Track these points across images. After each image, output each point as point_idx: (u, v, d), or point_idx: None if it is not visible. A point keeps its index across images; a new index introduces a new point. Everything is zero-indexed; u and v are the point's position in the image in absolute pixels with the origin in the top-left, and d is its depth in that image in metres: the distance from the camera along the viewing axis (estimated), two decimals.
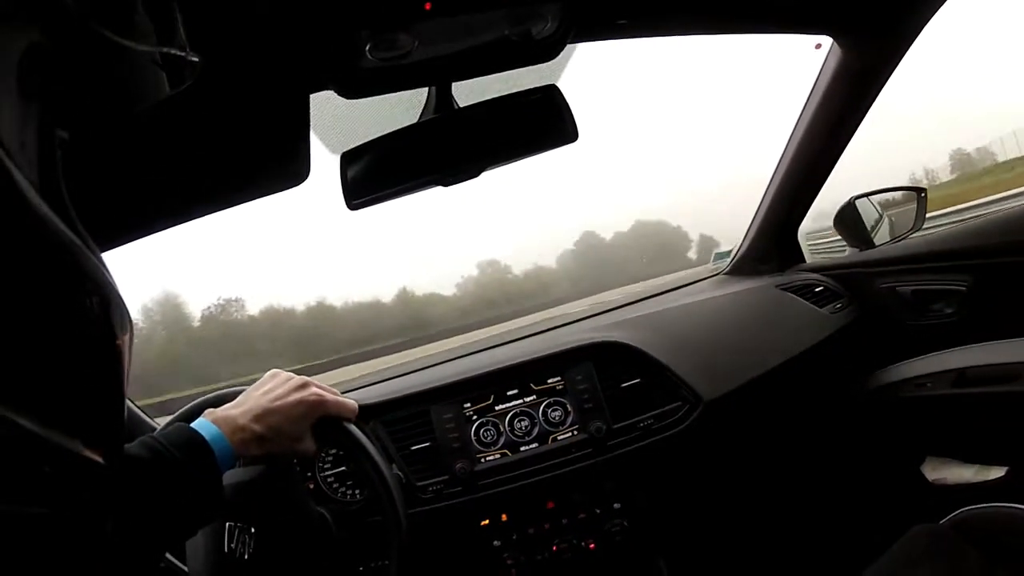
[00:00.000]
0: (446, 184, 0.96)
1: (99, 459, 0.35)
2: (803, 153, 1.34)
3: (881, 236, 1.51)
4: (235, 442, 0.71)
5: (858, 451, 1.42)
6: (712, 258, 1.66)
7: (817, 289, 1.39)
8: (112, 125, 0.65)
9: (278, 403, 0.78)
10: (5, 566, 0.30)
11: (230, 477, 0.79)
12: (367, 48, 0.81)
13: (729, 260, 1.61)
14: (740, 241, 1.56)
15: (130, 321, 0.38)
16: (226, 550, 0.78)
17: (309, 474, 1.19)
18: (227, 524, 0.78)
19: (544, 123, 0.94)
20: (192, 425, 0.71)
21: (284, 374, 0.84)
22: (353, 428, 0.88)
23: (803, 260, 1.53)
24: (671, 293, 1.63)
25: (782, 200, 1.43)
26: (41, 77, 0.33)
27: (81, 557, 0.35)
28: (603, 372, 1.19)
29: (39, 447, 0.30)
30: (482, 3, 0.80)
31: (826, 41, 1.16)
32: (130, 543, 0.57)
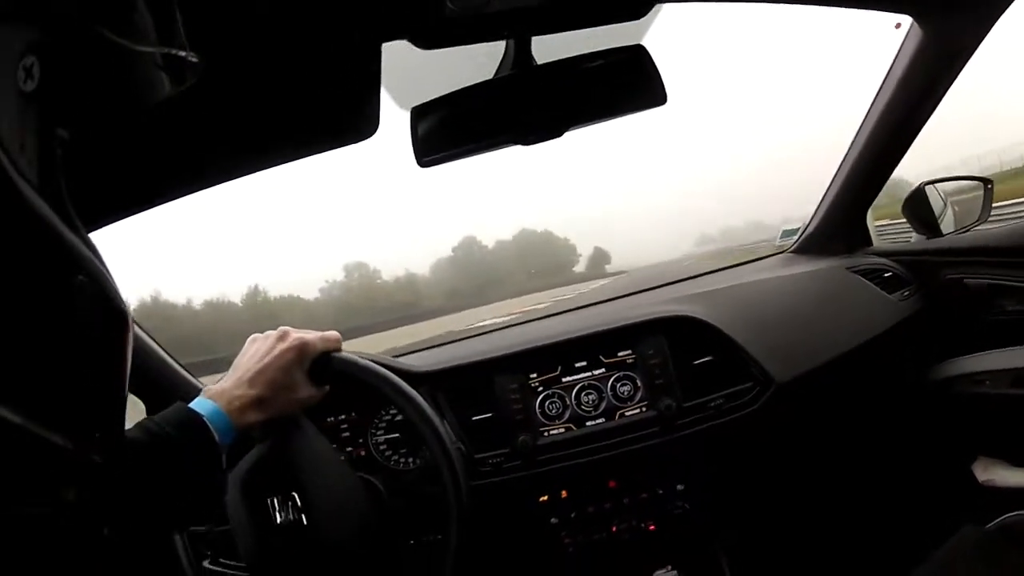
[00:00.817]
0: (525, 143, 0.92)
1: (99, 458, 0.35)
2: (878, 134, 1.29)
3: (946, 225, 1.46)
4: (232, 412, 0.70)
5: (913, 444, 1.38)
6: (779, 235, 1.61)
7: (886, 275, 1.33)
8: (114, 124, 0.64)
9: (265, 360, 0.76)
10: (5, 565, 0.29)
11: (245, 463, 0.79)
12: None
13: (796, 238, 1.56)
14: (808, 219, 1.51)
15: (130, 319, 0.38)
16: (279, 522, 0.77)
17: (361, 440, 1.16)
18: (267, 500, 0.77)
19: (630, 84, 0.89)
20: (190, 404, 0.70)
21: (262, 335, 0.81)
22: (346, 355, 0.84)
23: (871, 242, 1.48)
24: (738, 268, 1.59)
25: (854, 180, 1.37)
26: (41, 77, 0.33)
27: (81, 556, 0.36)
28: (675, 347, 1.14)
29: (39, 447, 0.30)
30: None
31: (906, 20, 1.12)
32: (134, 526, 0.57)
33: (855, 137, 1.34)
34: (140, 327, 1.18)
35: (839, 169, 1.39)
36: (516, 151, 0.93)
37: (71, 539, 0.35)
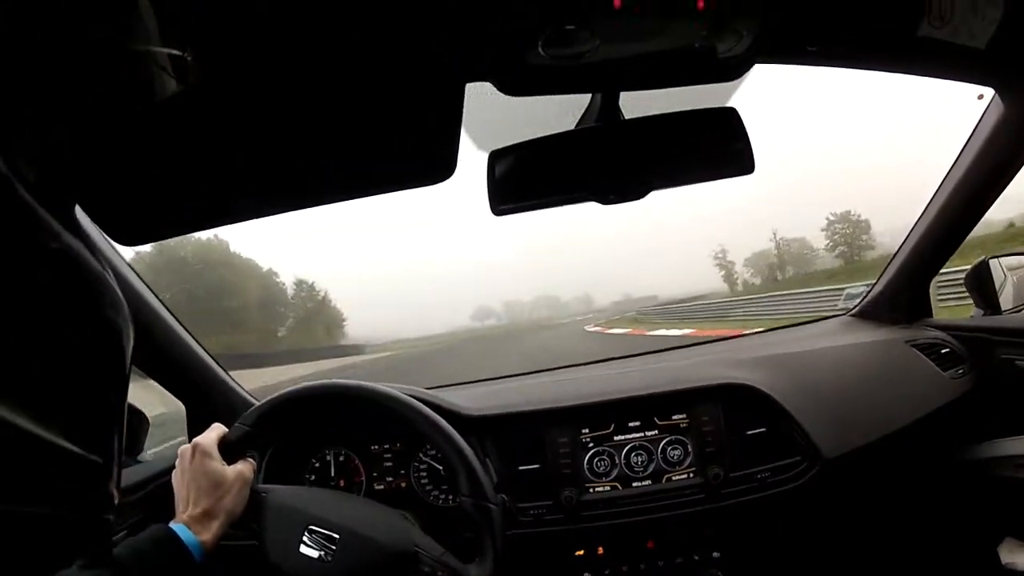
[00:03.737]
0: (606, 202, 0.89)
1: (98, 459, 0.35)
2: (950, 205, 1.26)
3: (1004, 299, 1.42)
4: (194, 530, 0.76)
5: (944, 522, 1.35)
6: (843, 297, 1.59)
7: (943, 351, 1.30)
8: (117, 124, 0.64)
9: (186, 480, 0.82)
10: (6, 564, 0.30)
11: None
12: (540, 42, 0.74)
13: (858, 302, 1.53)
14: (873, 283, 1.49)
15: (131, 324, 0.38)
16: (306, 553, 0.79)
17: (403, 471, 1.16)
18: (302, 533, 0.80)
19: (719, 148, 0.86)
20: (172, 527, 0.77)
21: (182, 450, 0.87)
22: (233, 428, 0.89)
23: (931, 313, 1.45)
24: (798, 328, 1.57)
25: (923, 249, 1.34)
26: (41, 78, 0.34)
27: (81, 554, 0.38)
28: (730, 414, 1.12)
29: (39, 448, 0.30)
30: (677, 9, 0.73)
31: (988, 92, 1.09)
32: None
33: (928, 205, 1.31)
34: (188, 332, 1.18)
35: (909, 236, 1.36)
36: None
37: (71, 539, 0.35)
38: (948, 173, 1.25)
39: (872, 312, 1.48)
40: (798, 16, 0.84)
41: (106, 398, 0.37)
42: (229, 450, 0.86)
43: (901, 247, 1.38)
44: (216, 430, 0.88)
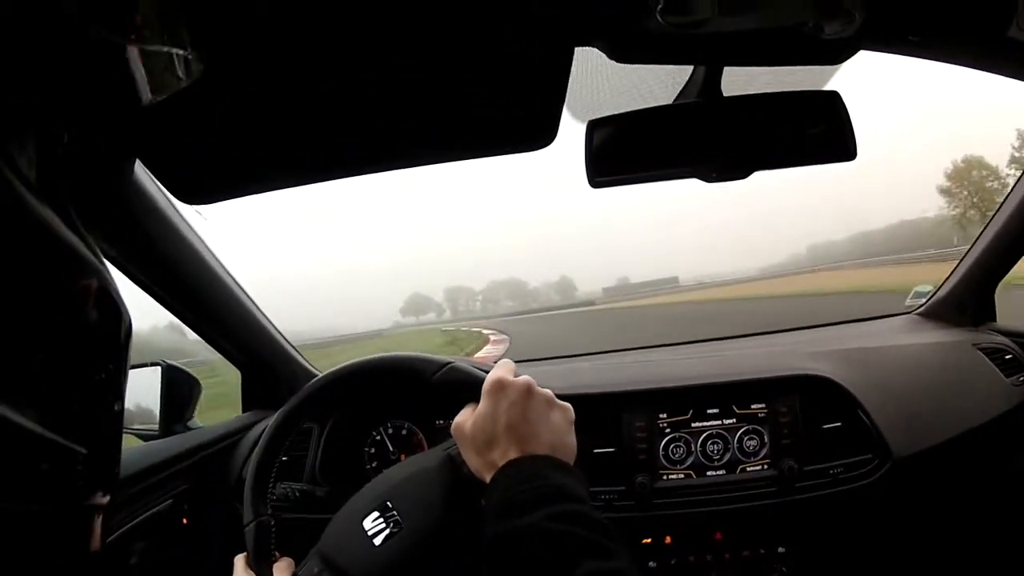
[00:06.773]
0: (709, 179, 0.86)
1: (98, 458, 0.36)
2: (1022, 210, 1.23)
3: None
4: None
5: (1011, 531, 1.33)
6: (911, 294, 1.59)
7: (1007, 356, 1.28)
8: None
9: None
10: (4, 564, 0.30)
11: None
12: (658, 7, 0.71)
13: (925, 300, 1.52)
14: (940, 283, 1.48)
15: (129, 321, 0.39)
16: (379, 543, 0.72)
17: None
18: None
19: (821, 131, 0.84)
20: None
21: None
22: (246, 535, 0.78)
23: (995, 317, 1.43)
24: (866, 324, 1.56)
25: (993, 252, 1.32)
26: (41, 77, 0.34)
27: (79, 553, 0.36)
28: (806, 407, 1.10)
29: (37, 445, 0.31)
30: None
31: None
32: None
33: (999, 208, 1.29)
34: (251, 300, 1.15)
35: (978, 238, 1.34)
36: None
37: (69, 537, 0.35)
38: (1021, 178, 1.24)
39: (938, 312, 1.46)
40: (905, 3, 0.82)
41: (108, 398, 0.37)
42: (257, 563, 0.77)
43: (970, 249, 1.36)
44: (240, 561, 0.79)
